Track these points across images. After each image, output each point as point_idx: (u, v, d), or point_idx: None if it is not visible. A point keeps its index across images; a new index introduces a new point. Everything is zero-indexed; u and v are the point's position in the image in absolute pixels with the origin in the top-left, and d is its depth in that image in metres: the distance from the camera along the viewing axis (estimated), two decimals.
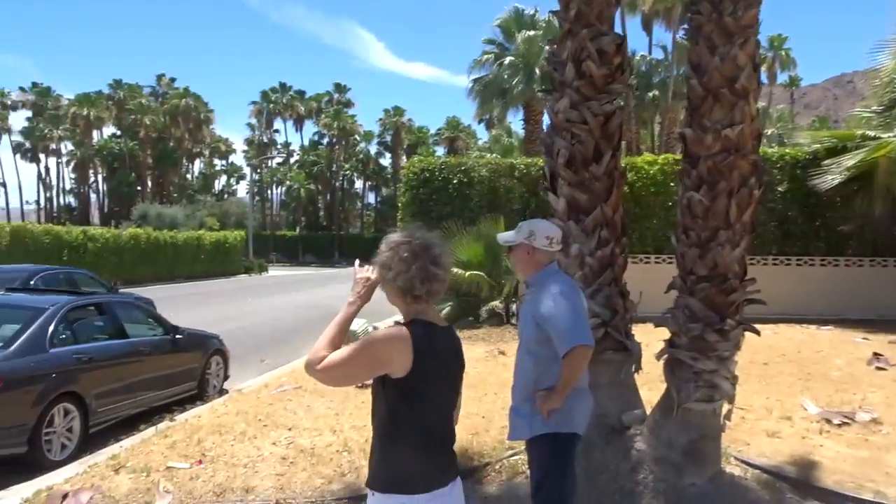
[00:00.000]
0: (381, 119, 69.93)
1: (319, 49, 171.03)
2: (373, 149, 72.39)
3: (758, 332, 4.64)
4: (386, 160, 72.26)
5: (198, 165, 78.41)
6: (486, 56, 31.60)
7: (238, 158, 78.86)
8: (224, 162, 80.00)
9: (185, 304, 18.11)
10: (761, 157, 4.56)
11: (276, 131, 74.01)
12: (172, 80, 70.41)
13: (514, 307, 13.45)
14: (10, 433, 5.39)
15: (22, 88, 69.88)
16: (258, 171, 69.26)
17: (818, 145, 13.81)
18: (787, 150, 14.48)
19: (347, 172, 71.49)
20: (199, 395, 7.94)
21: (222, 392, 8.31)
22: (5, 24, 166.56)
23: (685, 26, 32.29)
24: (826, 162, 12.79)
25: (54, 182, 72.06)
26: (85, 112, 63.73)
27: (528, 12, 31.29)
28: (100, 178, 70.32)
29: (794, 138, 31.55)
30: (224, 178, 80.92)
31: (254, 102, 69.62)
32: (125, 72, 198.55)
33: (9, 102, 69.74)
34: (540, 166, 13.87)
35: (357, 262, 2.40)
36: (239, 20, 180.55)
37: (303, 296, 23.65)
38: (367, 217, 75.74)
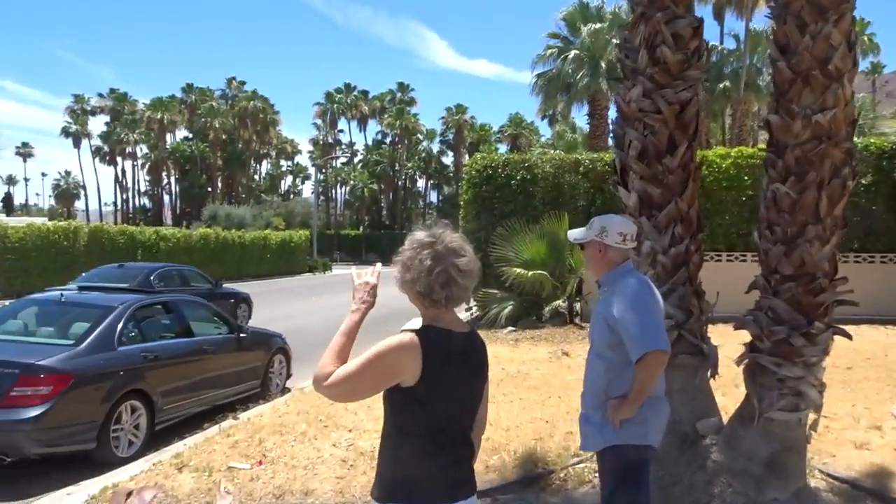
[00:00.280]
0: (443, 117, 70.39)
1: (383, 49, 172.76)
2: (435, 147, 72.96)
3: (849, 336, 4.31)
4: (448, 158, 72.61)
5: (265, 166, 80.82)
6: (549, 50, 31.15)
7: (303, 159, 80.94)
8: (290, 162, 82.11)
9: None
10: (854, 145, 4.19)
11: (341, 131, 75.45)
12: (242, 83, 72.67)
13: (577, 306, 13.12)
14: (80, 430, 5.48)
15: (101, 94, 73.44)
16: (323, 171, 70.56)
17: None
18: (871, 140, 13.62)
19: (410, 171, 72.15)
20: (262, 394, 7.98)
21: (284, 391, 8.35)
22: (93, 37, 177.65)
23: (763, 11, 30.92)
24: None
25: (130, 184, 75.60)
26: (159, 116, 66.47)
27: (594, 4, 30.74)
28: (172, 179, 73.24)
29: (877, 128, 29.89)
30: (290, 178, 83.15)
31: (318, 103, 71.19)
32: (197, 76, 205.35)
33: (88, 108, 73.38)
34: (606, 161, 13.49)
35: (353, 268, 2.32)
36: (305, 23, 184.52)
37: None
38: (429, 215, 76.16)
